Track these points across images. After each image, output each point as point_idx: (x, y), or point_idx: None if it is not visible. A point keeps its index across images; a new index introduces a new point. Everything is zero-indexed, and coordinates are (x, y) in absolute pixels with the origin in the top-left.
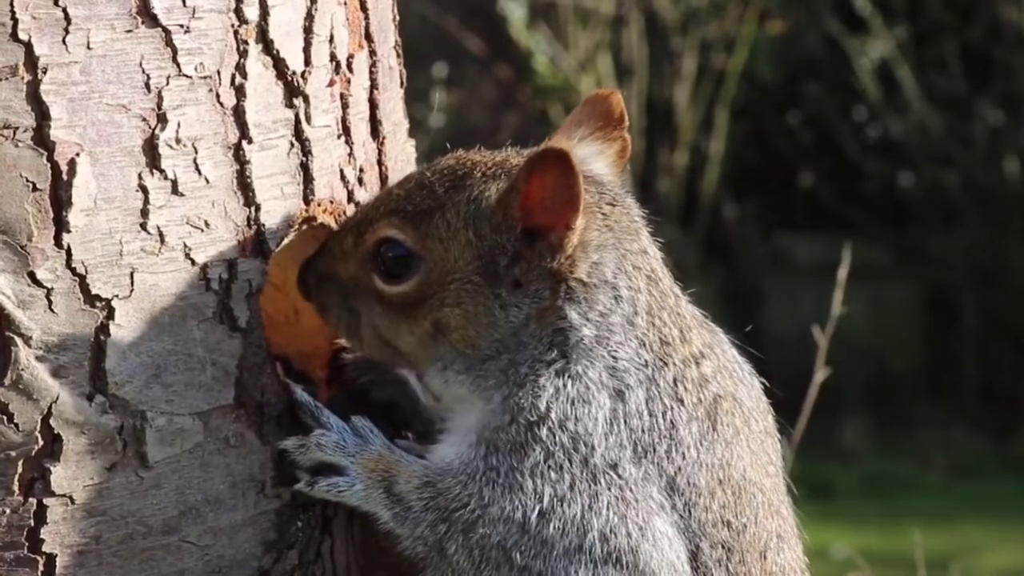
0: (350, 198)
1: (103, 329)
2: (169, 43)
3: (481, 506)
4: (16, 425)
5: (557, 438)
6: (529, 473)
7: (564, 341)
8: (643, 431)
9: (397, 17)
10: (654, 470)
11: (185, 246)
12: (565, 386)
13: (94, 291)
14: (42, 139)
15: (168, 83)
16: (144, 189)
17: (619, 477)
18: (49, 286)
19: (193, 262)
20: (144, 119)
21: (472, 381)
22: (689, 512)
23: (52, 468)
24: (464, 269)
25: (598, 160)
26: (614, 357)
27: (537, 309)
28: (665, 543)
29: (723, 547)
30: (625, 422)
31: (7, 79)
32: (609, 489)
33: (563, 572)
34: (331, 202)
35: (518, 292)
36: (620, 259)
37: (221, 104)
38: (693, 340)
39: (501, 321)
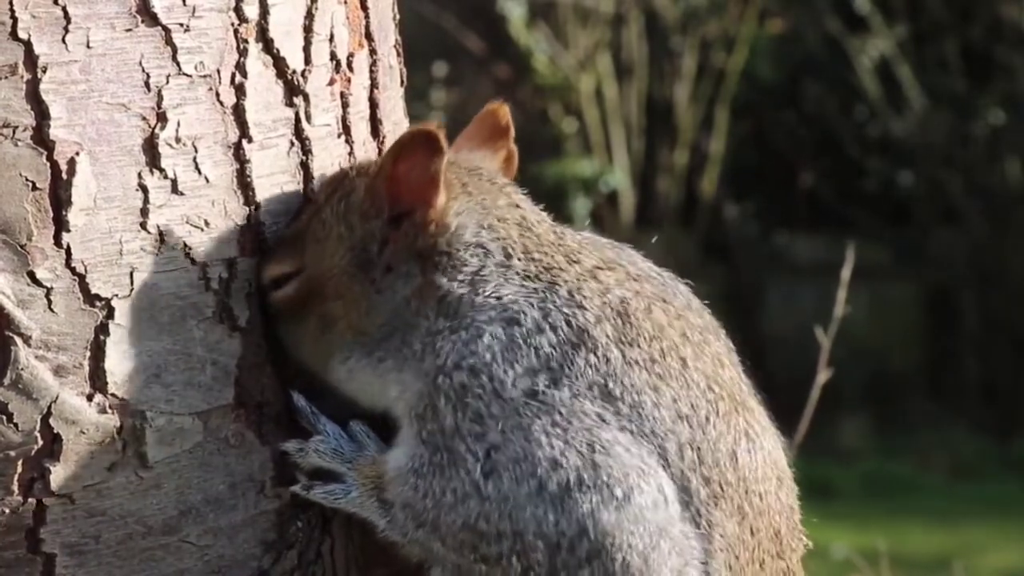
0: None
1: (103, 328)
2: (169, 42)
3: (434, 500)
4: (15, 425)
5: (456, 380)
6: (456, 435)
7: (447, 307)
8: (551, 346)
9: (397, 16)
10: (581, 384)
11: (185, 245)
12: (460, 336)
13: (94, 290)
14: (42, 138)
15: (168, 82)
16: (144, 188)
17: (543, 404)
18: (49, 285)
19: (193, 261)
20: (144, 118)
21: (373, 364)
22: (639, 414)
23: (51, 468)
24: (339, 264)
25: (482, 164)
26: (498, 298)
27: (412, 289)
28: (620, 450)
29: (691, 447)
30: (526, 342)
31: (6, 78)
32: (539, 418)
33: (533, 521)
34: None
35: (390, 276)
36: (481, 218)
37: (221, 103)
38: (583, 260)
39: (380, 306)
